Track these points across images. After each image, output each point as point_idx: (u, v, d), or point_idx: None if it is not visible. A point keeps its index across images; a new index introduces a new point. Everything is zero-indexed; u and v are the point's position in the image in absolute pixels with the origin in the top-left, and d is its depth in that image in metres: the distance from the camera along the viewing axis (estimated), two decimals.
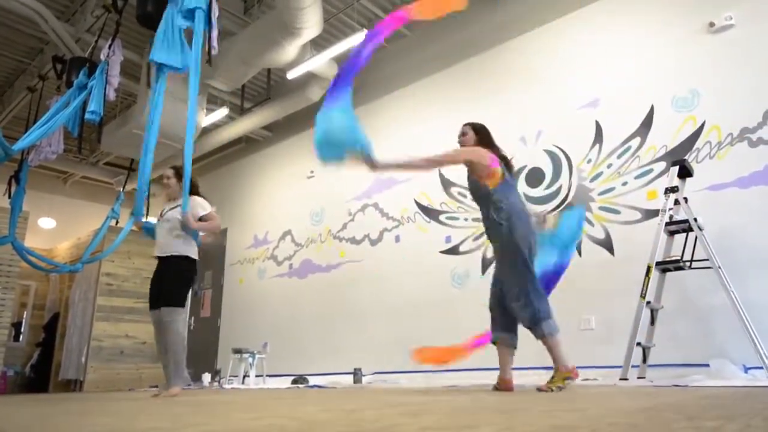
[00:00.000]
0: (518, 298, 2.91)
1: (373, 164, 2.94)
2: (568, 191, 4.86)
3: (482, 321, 4.97)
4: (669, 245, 3.88)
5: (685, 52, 4.42)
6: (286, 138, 8.21)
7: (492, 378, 3.48)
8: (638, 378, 3.63)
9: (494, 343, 3.14)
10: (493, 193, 3.06)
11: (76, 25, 6.60)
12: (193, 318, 8.99)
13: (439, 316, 5.40)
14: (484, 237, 5.38)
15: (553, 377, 2.86)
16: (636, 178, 4.48)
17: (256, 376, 6.41)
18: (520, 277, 2.95)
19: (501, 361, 3.09)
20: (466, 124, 3.36)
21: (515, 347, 3.09)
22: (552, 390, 2.76)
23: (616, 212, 4.52)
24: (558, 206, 4.87)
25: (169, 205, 4.03)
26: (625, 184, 4.53)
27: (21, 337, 9.26)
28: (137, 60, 7.02)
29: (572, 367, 2.86)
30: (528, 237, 3.02)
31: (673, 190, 3.81)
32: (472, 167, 3.15)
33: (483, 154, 3.11)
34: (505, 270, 3.07)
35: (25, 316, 9.34)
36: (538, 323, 2.85)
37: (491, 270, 5.27)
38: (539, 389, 2.81)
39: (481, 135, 3.29)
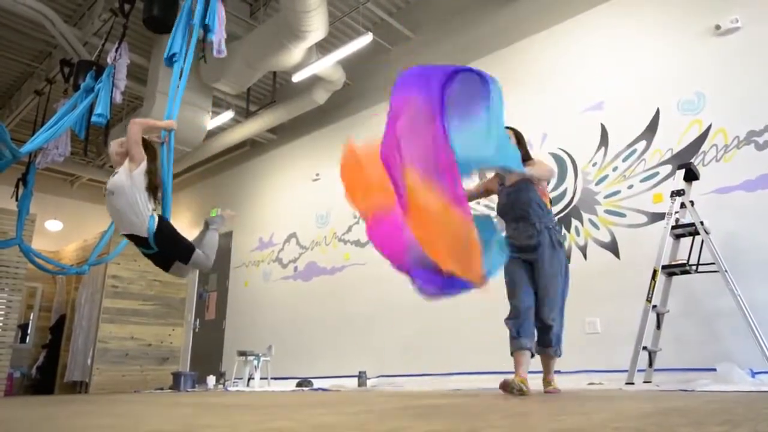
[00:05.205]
0: (555, 316, 2.99)
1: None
2: (574, 194, 4.85)
3: (486, 323, 4.99)
4: (675, 249, 3.86)
5: (690, 54, 4.41)
6: (291, 141, 8.23)
7: (496, 381, 3.47)
8: (644, 382, 3.62)
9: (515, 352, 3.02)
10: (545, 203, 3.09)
11: (84, 29, 6.65)
12: (198, 320, 9.01)
13: (443, 318, 5.40)
14: None
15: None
16: (642, 181, 4.46)
17: (261, 378, 6.41)
18: (562, 292, 3.04)
19: (524, 366, 2.98)
20: (507, 128, 2.97)
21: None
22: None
23: (622, 215, 4.50)
24: (563, 209, 4.86)
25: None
26: (630, 187, 4.51)
27: (27, 338, 9.32)
28: (144, 63, 7.06)
29: None
30: None
31: (679, 193, 3.79)
32: (539, 181, 3.06)
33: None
34: (551, 281, 3.01)
35: (31, 317, 9.40)
36: (560, 343, 3.06)
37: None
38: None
39: (522, 144, 3.11)
